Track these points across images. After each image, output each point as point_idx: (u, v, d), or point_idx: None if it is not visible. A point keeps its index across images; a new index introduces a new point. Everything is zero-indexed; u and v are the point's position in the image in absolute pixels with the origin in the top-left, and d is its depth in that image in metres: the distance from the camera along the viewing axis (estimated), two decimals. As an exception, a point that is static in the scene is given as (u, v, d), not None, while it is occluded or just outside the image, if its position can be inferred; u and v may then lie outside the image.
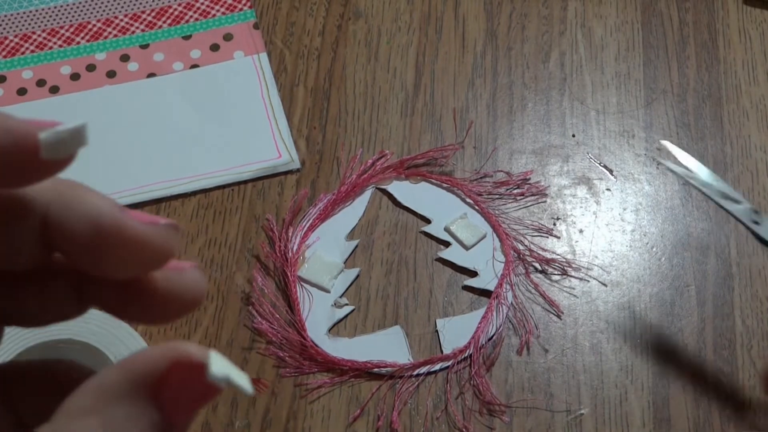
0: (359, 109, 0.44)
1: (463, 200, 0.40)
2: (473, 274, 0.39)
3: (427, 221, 0.40)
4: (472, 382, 0.36)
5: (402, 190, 0.41)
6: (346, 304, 0.38)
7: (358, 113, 0.44)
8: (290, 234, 0.40)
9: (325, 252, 0.39)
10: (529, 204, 0.40)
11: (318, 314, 0.38)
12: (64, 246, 0.19)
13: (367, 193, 0.41)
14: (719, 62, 0.44)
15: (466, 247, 0.39)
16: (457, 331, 0.37)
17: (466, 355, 0.37)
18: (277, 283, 0.39)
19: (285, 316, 0.38)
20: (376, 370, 0.37)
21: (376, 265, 0.39)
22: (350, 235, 0.40)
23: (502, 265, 0.39)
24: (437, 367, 0.37)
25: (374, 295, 0.39)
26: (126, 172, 0.42)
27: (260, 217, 0.41)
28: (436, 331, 0.38)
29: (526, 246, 0.39)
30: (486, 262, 0.39)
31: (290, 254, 0.39)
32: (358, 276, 0.39)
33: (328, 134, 0.43)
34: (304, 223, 0.40)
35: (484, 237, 0.39)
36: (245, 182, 0.42)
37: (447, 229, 0.40)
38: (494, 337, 0.37)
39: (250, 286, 0.39)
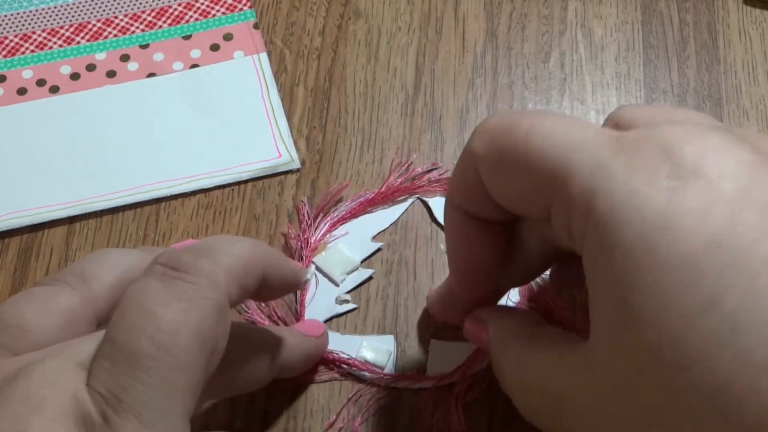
0: (359, 109, 0.44)
1: None
2: None
3: None
4: (446, 414, 0.35)
5: (443, 206, 0.40)
6: (347, 302, 0.38)
7: (358, 113, 0.44)
8: (318, 221, 0.40)
9: (346, 246, 0.39)
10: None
11: (320, 304, 0.38)
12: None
13: (408, 202, 0.41)
14: (719, 62, 0.44)
15: None
16: (447, 357, 0.36)
17: (446, 383, 0.35)
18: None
19: (288, 297, 0.38)
20: (356, 371, 0.36)
21: (376, 265, 0.39)
22: (377, 237, 0.40)
23: (514, 305, 0.38)
24: (417, 386, 0.36)
25: (374, 296, 0.39)
26: (126, 172, 0.42)
27: (260, 217, 0.41)
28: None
29: (546, 292, 0.37)
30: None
31: (313, 240, 0.39)
32: (370, 278, 0.39)
33: (328, 134, 0.43)
34: (335, 214, 0.40)
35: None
36: (245, 182, 0.42)
37: None
38: (482, 372, 0.36)
39: None
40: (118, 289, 0.27)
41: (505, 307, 0.33)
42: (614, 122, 0.26)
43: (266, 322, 0.38)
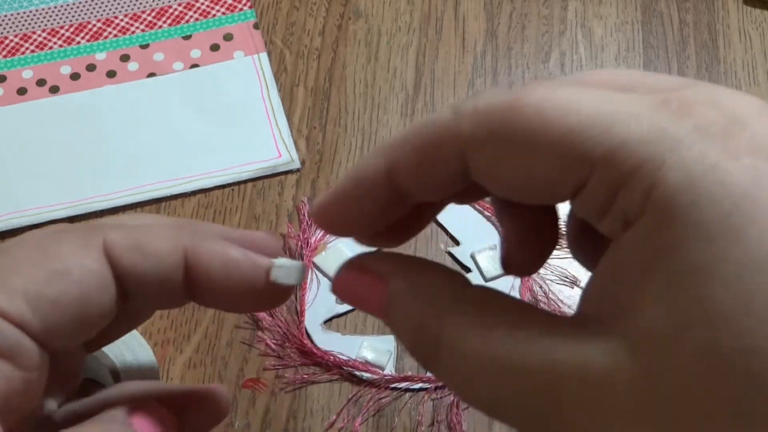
0: (359, 109, 0.44)
1: (499, 232, 0.40)
2: (467, 270, 0.39)
3: (456, 243, 0.40)
4: (447, 415, 0.35)
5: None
6: (347, 302, 0.38)
7: (358, 113, 0.44)
8: None
9: (346, 247, 0.39)
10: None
11: (320, 304, 0.38)
12: None
13: None
14: (719, 62, 0.44)
15: (485, 279, 0.39)
16: None
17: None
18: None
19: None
20: (357, 372, 0.36)
21: (376, 265, 0.39)
22: None
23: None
24: (417, 386, 0.36)
25: (374, 295, 0.38)
26: (126, 172, 0.42)
27: (260, 217, 0.41)
28: None
29: (545, 293, 0.38)
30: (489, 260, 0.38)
31: (313, 240, 0.39)
32: None
33: (328, 134, 0.43)
34: None
35: (504, 274, 0.38)
36: (245, 182, 0.42)
37: (473, 256, 0.39)
38: None
39: None
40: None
41: (412, 258, 0.24)
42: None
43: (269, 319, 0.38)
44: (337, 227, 0.24)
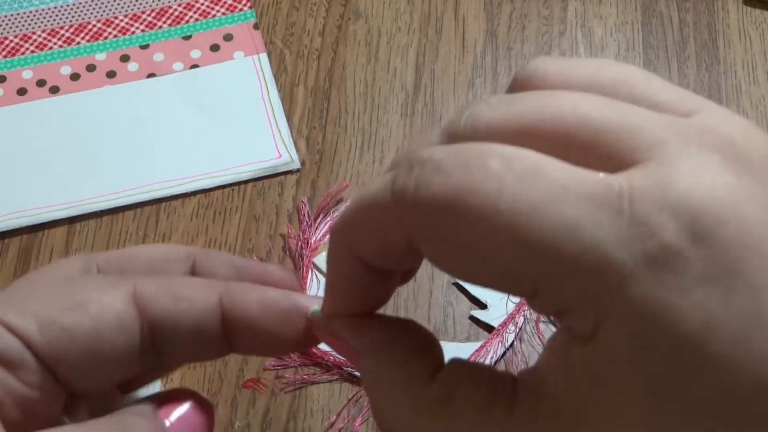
0: (359, 109, 0.44)
1: None
2: (483, 306, 0.38)
3: None
4: None
5: None
6: (347, 303, 0.38)
7: (358, 113, 0.44)
8: (319, 221, 0.40)
9: None
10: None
11: None
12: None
13: None
14: (719, 62, 0.44)
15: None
16: (447, 357, 0.36)
17: None
18: (294, 265, 0.39)
19: None
20: (357, 373, 0.36)
21: (376, 265, 0.39)
22: None
23: (514, 305, 0.37)
24: None
25: (374, 295, 0.39)
26: (126, 172, 0.42)
27: (260, 217, 0.41)
28: None
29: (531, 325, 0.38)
30: (500, 299, 0.38)
31: (313, 240, 0.39)
32: None
33: (328, 134, 0.43)
34: (335, 215, 0.40)
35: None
36: (245, 182, 0.42)
37: None
38: None
39: None
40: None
41: (382, 332, 0.24)
42: (530, 87, 0.20)
43: None
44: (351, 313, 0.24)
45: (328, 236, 0.40)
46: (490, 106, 0.19)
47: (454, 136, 0.19)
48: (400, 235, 0.20)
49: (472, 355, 0.36)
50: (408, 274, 0.25)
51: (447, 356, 0.37)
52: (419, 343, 0.23)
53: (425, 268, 0.39)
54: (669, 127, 0.17)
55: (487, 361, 0.36)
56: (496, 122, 0.18)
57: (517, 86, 0.20)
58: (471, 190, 0.17)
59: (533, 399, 0.19)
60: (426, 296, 0.38)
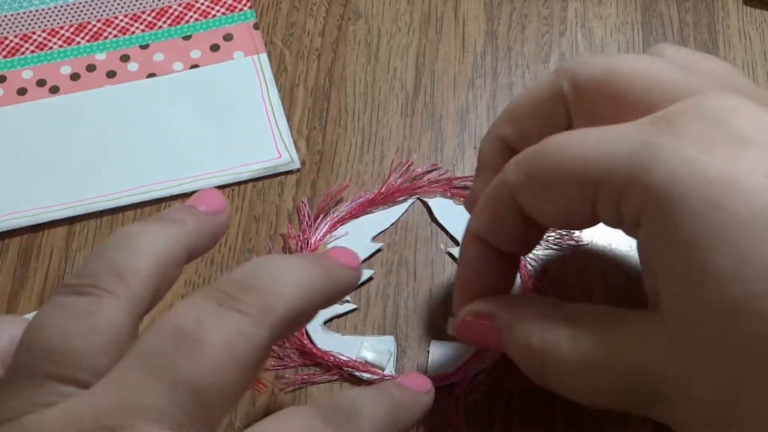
0: (359, 109, 0.44)
1: None
2: None
3: (456, 243, 0.39)
4: (446, 414, 0.35)
5: (443, 207, 0.40)
6: (347, 301, 0.38)
7: (358, 113, 0.44)
8: (318, 221, 0.40)
9: (346, 246, 0.39)
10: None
11: None
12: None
13: (408, 202, 0.41)
14: (719, 63, 0.44)
15: None
16: (447, 357, 0.36)
17: (447, 383, 0.35)
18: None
19: None
20: (357, 373, 0.36)
21: (376, 266, 0.39)
22: (377, 238, 0.40)
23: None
24: None
25: (374, 296, 0.39)
26: (126, 172, 0.42)
27: (260, 217, 0.41)
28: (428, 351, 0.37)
29: (543, 290, 0.37)
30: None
31: (313, 240, 0.39)
32: (370, 278, 0.39)
33: (328, 134, 0.43)
34: (335, 215, 0.40)
35: None
36: (245, 182, 0.42)
37: None
38: (483, 374, 0.35)
39: None
40: (157, 279, 0.24)
41: (512, 297, 0.31)
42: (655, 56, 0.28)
43: None
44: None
45: (327, 237, 0.40)
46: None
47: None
48: (508, 202, 0.28)
49: (472, 356, 0.36)
50: (526, 248, 0.31)
51: (445, 356, 0.37)
52: (534, 297, 0.31)
53: (425, 268, 0.39)
54: (710, 83, 0.25)
55: (487, 361, 0.36)
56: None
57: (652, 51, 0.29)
58: (546, 144, 0.26)
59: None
60: (426, 296, 0.38)
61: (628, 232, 0.25)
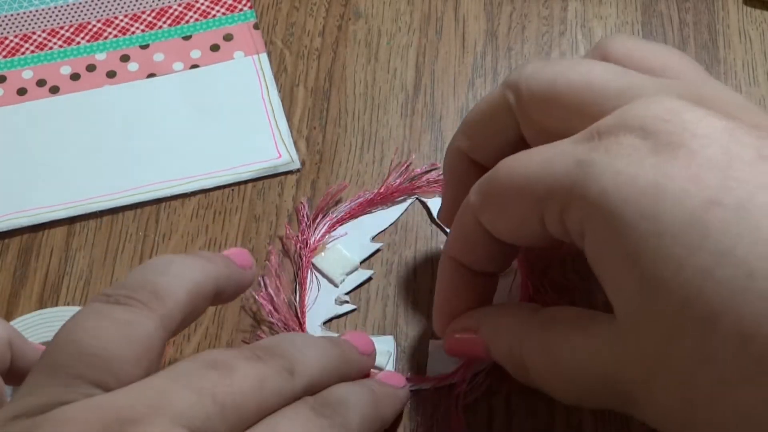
0: (359, 109, 0.44)
1: None
2: None
3: None
4: (444, 415, 0.35)
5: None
6: (347, 302, 0.38)
7: (358, 113, 0.44)
8: (317, 221, 0.40)
9: (346, 247, 0.39)
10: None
11: (320, 305, 0.38)
12: None
13: (408, 202, 0.41)
14: (719, 63, 0.44)
15: None
16: (447, 357, 0.35)
17: (447, 383, 0.35)
18: (293, 267, 0.39)
19: (288, 296, 0.38)
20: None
21: (375, 266, 0.39)
22: (376, 238, 0.40)
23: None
24: (416, 387, 0.35)
25: (374, 296, 0.39)
26: (126, 172, 0.42)
27: (260, 217, 0.41)
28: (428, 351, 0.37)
29: (545, 293, 0.37)
30: (500, 299, 0.37)
31: (312, 240, 0.39)
32: (370, 279, 0.39)
33: (328, 134, 0.43)
34: (334, 215, 0.40)
35: (504, 275, 0.36)
36: (245, 182, 0.42)
37: None
38: (482, 374, 0.35)
39: (262, 270, 0.39)
40: (190, 305, 0.27)
41: (493, 307, 0.32)
42: (602, 54, 0.29)
43: (274, 316, 0.38)
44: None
45: (326, 237, 0.40)
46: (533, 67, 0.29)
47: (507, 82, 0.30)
48: (473, 223, 0.29)
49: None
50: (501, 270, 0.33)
51: (445, 356, 0.37)
52: (514, 304, 0.32)
53: (425, 268, 0.39)
54: (651, 86, 0.26)
55: (487, 361, 0.36)
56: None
57: (593, 51, 0.30)
58: (498, 167, 0.28)
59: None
60: (426, 296, 0.38)
61: (578, 245, 0.26)
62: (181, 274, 0.27)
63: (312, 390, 0.27)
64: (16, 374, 0.28)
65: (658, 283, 0.22)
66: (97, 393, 0.23)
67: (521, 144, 0.30)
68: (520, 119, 0.30)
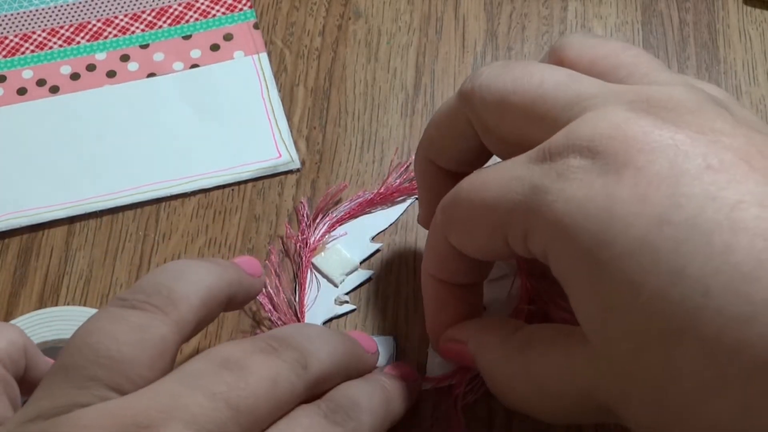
0: (359, 109, 0.44)
1: None
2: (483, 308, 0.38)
3: None
4: (444, 416, 0.35)
5: None
6: (347, 302, 0.38)
7: (358, 113, 0.44)
8: (317, 221, 0.40)
9: (345, 247, 0.39)
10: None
11: (320, 305, 0.38)
12: None
13: (408, 202, 0.41)
14: (719, 62, 0.44)
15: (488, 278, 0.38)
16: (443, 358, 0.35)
17: (447, 383, 0.35)
18: (293, 266, 0.39)
19: (288, 296, 0.38)
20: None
21: (375, 266, 0.39)
22: (376, 238, 0.40)
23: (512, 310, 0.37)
24: None
25: (374, 296, 0.39)
26: (126, 172, 0.42)
27: (260, 217, 0.41)
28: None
29: (544, 294, 0.37)
30: (500, 301, 0.37)
31: (312, 240, 0.39)
32: (370, 279, 0.39)
33: (328, 134, 0.43)
34: (334, 215, 0.40)
35: (504, 276, 0.37)
36: (245, 182, 0.42)
37: None
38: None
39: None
40: (203, 310, 0.27)
41: (480, 321, 0.33)
42: (557, 58, 0.29)
43: (274, 316, 0.38)
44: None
45: (326, 237, 0.40)
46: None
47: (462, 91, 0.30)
48: (443, 241, 0.30)
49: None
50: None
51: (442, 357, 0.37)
52: (499, 322, 0.31)
53: (425, 269, 0.39)
54: (600, 94, 0.25)
55: None
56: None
57: (550, 54, 0.30)
58: (457, 189, 0.29)
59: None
60: (426, 296, 0.38)
61: (545, 263, 0.26)
62: (196, 279, 0.27)
63: (321, 384, 0.27)
64: (27, 384, 0.28)
65: (619, 307, 0.22)
66: (112, 395, 0.23)
67: (483, 149, 0.31)
68: (476, 128, 0.30)
